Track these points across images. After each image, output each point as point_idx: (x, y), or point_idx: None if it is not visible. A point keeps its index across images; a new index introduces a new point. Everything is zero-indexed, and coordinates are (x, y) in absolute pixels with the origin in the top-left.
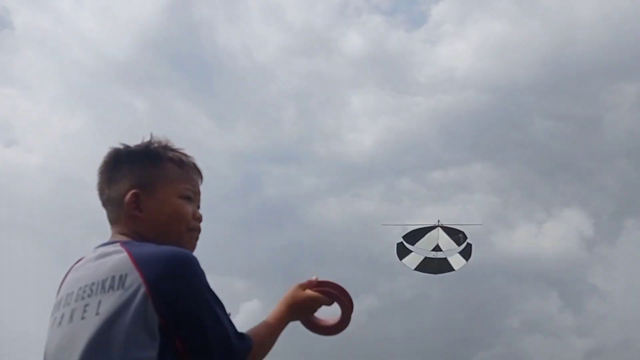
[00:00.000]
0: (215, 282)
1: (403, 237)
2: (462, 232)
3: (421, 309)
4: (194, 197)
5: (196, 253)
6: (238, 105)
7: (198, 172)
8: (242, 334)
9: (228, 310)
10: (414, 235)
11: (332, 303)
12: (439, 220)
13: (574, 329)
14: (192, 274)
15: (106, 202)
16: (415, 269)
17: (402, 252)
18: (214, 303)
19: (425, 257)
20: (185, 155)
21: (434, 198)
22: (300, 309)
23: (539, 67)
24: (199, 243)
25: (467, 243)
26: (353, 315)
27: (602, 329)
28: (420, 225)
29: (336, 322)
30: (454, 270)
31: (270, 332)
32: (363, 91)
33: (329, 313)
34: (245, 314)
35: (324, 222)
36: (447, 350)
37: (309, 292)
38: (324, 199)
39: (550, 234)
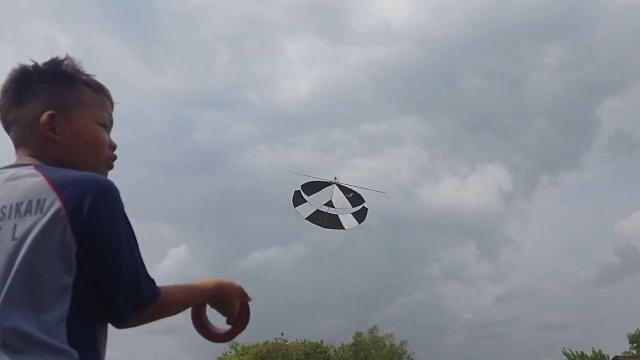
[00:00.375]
0: (143, 227)
1: (301, 187)
2: (356, 193)
3: (348, 257)
4: (109, 126)
5: (123, 196)
6: (168, 46)
7: (111, 101)
8: (151, 279)
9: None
10: (311, 187)
11: (250, 300)
12: (335, 178)
13: (488, 277)
14: (114, 202)
15: (13, 122)
16: (306, 219)
17: (298, 200)
18: (132, 238)
19: (317, 210)
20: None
21: (365, 150)
22: (227, 291)
23: (472, 25)
24: (124, 186)
25: (363, 207)
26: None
27: (513, 276)
28: (318, 179)
29: (225, 331)
30: (343, 228)
31: (186, 296)
32: (299, 38)
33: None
34: (173, 259)
35: (255, 170)
36: (371, 296)
37: (238, 284)
38: (255, 147)
39: (472, 188)
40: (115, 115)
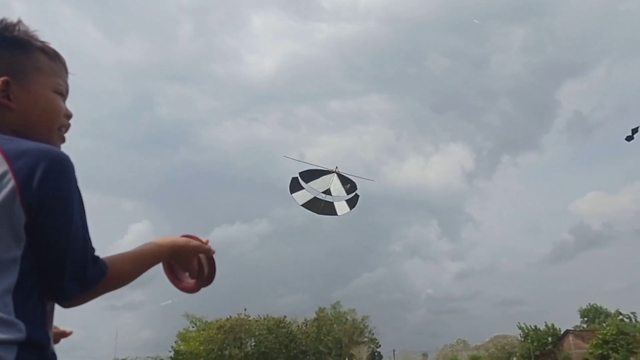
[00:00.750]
0: (103, 201)
1: (300, 174)
2: (353, 183)
3: (312, 234)
4: (65, 94)
5: (81, 170)
6: (130, 16)
7: (67, 69)
8: (97, 258)
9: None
10: (311, 175)
11: (214, 252)
12: (337, 167)
13: (449, 254)
14: (65, 175)
15: None
16: (302, 205)
17: (295, 186)
18: (82, 213)
19: (315, 197)
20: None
21: (331, 127)
22: (180, 252)
23: (440, 4)
24: (82, 160)
25: (356, 194)
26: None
27: (473, 254)
28: (319, 167)
29: (192, 284)
30: (336, 215)
31: (135, 266)
32: (266, 12)
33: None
34: (135, 235)
35: (219, 145)
36: (335, 272)
37: (195, 241)
38: (220, 122)
39: (436, 167)
40: (75, 87)
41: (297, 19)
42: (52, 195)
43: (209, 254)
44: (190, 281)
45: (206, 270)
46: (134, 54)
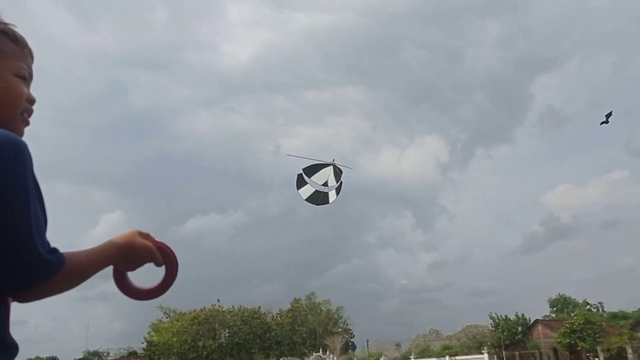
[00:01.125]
0: (74, 191)
1: (303, 169)
2: (341, 172)
3: (287, 225)
4: (29, 79)
5: (51, 159)
6: (102, 1)
7: (31, 53)
8: (54, 248)
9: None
10: (313, 169)
11: (162, 264)
12: (334, 159)
13: (423, 245)
14: (21, 162)
15: None
16: (306, 200)
17: (301, 183)
18: (39, 201)
19: (316, 190)
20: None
21: (307, 118)
22: (131, 255)
23: None
24: (53, 148)
25: (341, 181)
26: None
27: (446, 245)
28: (318, 161)
29: (152, 287)
30: (329, 203)
31: (88, 264)
32: (242, 0)
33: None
34: (107, 225)
35: (193, 135)
36: (310, 263)
37: (147, 242)
38: (194, 111)
39: (411, 159)
40: (45, 74)
41: (274, 7)
42: (7, 181)
43: (158, 263)
44: (146, 287)
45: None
46: (107, 41)
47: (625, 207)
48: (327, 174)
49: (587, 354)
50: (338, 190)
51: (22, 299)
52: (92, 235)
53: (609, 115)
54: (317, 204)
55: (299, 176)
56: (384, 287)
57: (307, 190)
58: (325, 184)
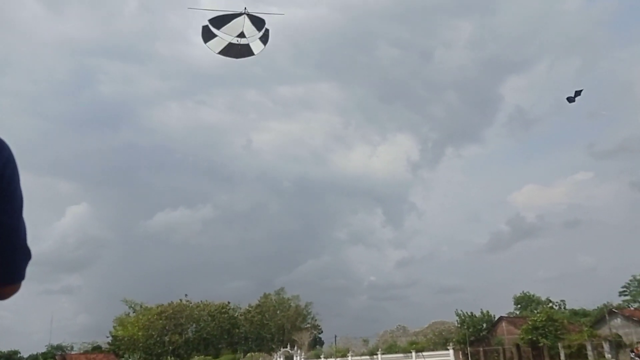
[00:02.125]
0: (39, 182)
1: (209, 21)
2: (261, 19)
3: (258, 220)
4: None
5: (15, 148)
6: None
7: None
8: None
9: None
10: (221, 20)
11: None
12: (245, 8)
13: (392, 242)
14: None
15: None
16: (219, 53)
17: (208, 35)
18: (20, 196)
19: (230, 43)
20: None
21: (279, 113)
22: None
23: None
24: (18, 138)
25: (266, 29)
26: None
27: (415, 242)
28: (227, 11)
29: None
30: (254, 54)
31: None
32: None
33: None
34: (73, 217)
35: (163, 127)
36: (280, 258)
37: None
38: (165, 103)
39: (382, 156)
40: (10, 62)
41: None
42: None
43: None
44: None
45: None
46: (74, 28)
47: (588, 208)
48: (240, 24)
49: (637, 343)
50: (264, 39)
51: (4, 295)
52: (58, 226)
53: (578, 93)
54: (237, 57)
55: (205, 28)
56: (353, 283)
57: (218, 43)
58: (242, 35)
